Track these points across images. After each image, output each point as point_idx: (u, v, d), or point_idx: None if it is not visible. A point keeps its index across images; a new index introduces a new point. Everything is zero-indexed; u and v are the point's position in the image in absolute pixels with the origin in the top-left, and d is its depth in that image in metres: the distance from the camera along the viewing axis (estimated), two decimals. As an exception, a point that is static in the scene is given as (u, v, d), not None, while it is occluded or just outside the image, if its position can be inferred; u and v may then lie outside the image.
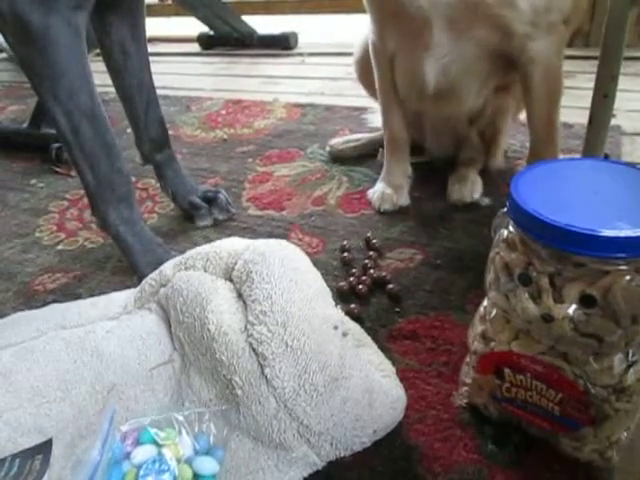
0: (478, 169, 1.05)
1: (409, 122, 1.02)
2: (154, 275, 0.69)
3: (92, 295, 0.85)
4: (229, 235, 0.97)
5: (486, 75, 0.89)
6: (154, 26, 2.06)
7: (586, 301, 0.44)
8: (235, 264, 0.62)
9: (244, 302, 0.58)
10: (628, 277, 0.43)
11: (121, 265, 0.91)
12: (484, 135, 1.07)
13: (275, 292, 0.55)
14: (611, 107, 0.86)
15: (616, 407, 0.49)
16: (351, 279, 0.80)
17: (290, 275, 0.57)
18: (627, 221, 0.43)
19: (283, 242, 0.64)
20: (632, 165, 0.50)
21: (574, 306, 0.45)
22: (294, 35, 2.20)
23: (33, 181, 1.29)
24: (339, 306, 0.73)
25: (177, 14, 2.26)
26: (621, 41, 0.82)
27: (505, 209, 0.50)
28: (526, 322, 0.48)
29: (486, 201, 0.99)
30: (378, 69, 0.97)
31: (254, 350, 0.53)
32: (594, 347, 0.47)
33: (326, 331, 0.54)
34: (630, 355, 0.48)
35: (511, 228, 0.49)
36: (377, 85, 0.98)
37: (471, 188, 0.99)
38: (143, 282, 0.70)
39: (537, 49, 0.81)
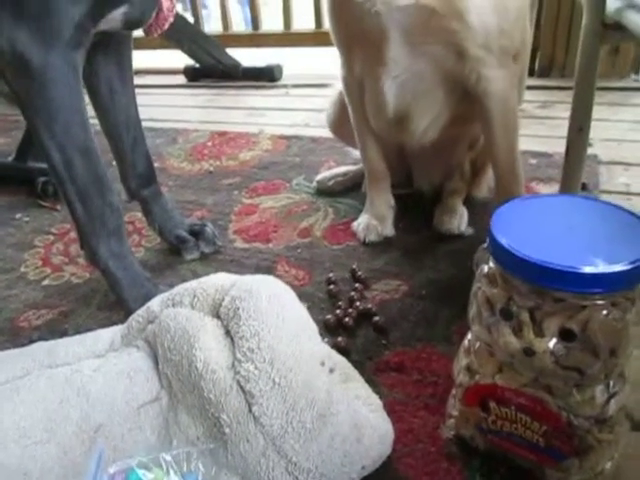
0: (463, 199, 1.07)
1: (391, 154, 1.04)
2: (141, 312, 0.69)
3: (78, 331, 0.84)
4: (216, 268, 0.98)
5: (442, 102, 0.90)
6: (140, 58, 2.09)
7: (566, 335, 0.46)
8: (222, 300, 0.62)
9: (231, 339, 0.59)
10: (605, 311, 0.44)
11: (107, 300, 0.91)
12: (472, 166, 1.10)
13: (262, 329, 0.55)
14: (586, 140, 0.89)
15: (599, 438, 0.50)
16: (337, 312, 0.81)
17: (277, 311, 0.57)
18: (602, 256, 0.44)
19: (269, 278, 0.64)
20: (604, 201, 0.52)
21: (554, 340, 0.46)
22: (279, 67, 2.24)
23: (18, 215, 1.28)
24: (326, 339, 0.74)
25: (163, 47, 2.29)
26: (593, 76, 0.85)
27: (485, 244, 0.52)
28: (509, 355, 0.50)
29: (469, 231, 1.01)
30: (351, 103, 0.99)
31: (242, 388, 0.53)
32: (575, 379, 0.48)
33: (313, 367, 0.54)
34: (611, 386, 0.49)
35: (491, 264, 0.50)
36: (352, 120, 1.00)
37: (459, 220, 1.01)
38: (130, 319, 0.70)
39: (492, 80, 0.83)
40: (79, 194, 0.77)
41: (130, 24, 0.80)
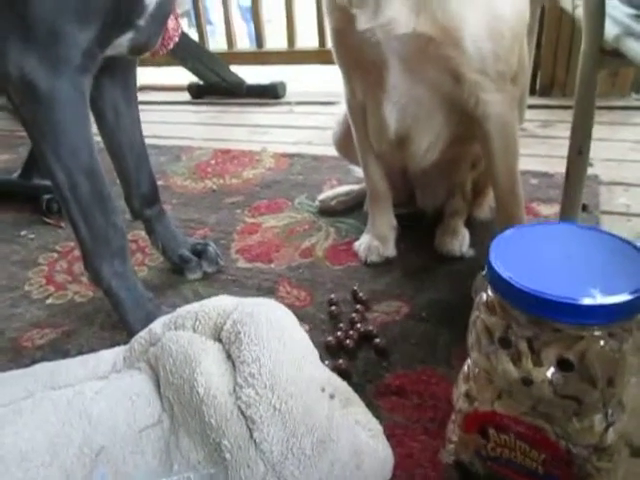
0: (464, 220, 1.08)
1: (393, 174, 1.05)
2: (143, 334, 0.70)
3: (81, 351, 0.85)
4: (218, 288, 0.99)
5: (442, 124, 0.91)
6: (145, 75, 2.11)
7: (563, 364, 0.46)
8: (224, 324, 0.63)
9: (233, 363, 0.59)
10: (602, 342, 0.45)
11: (110, 320, 0.92)
12: (474, 186, 1.10)
13: (263, 354, 0.56)
14: (586, 163, 0.89)
15: (598, 466, 0.50)
16: (338, 334, 0.82)
17: (278, 336, 0.58)
18: (599, 287, 0.45)
19: (271, 301, 0.65)
20: (603, 230, 0.53)
21: (552, 369, 0.46)
22: (282, 85, 2.27)
23: (23, 232, 1.30)
24: (327, 362, 0.74)
25: (167, 64, 2.31)
26: (592, 101, 0.86)
27: (484, 272, 0.52)
28: (507, 384, 0.50)
29: (470, 253, 1.01)
30: (354, 124, 1.00)
31: (243, 413, 0.54)
32: (574, 408, 0.48)
33: (314, 393, 0.55)
34: (609, 415, 0.49)
35: (490, 292, 0.51)
36: (355, 140, 1.02)
37: (461, 241, 1.02)
38: (133, 340, 0.70)
39: (490, 103, 0.83)
40: (83, 215, 0.78)
41: (136, 50, 0.81)
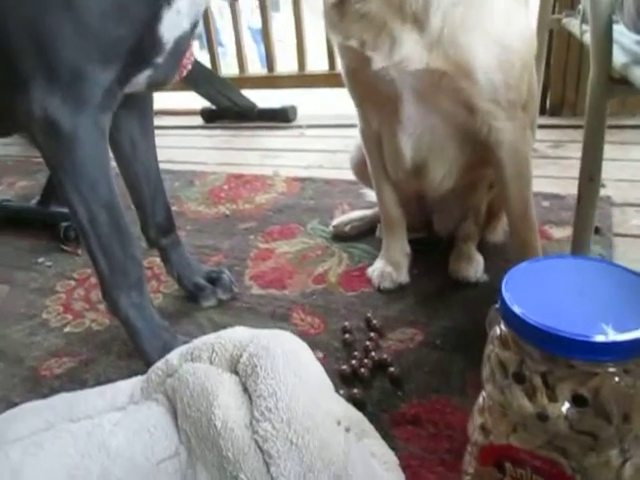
0: (476, 244, 1.08)
1: (408, 200, 1.06)
2: (160, 364, 0.71)
3: (98, 380, 0.87)
4: (232, 316, 1.00)
5: (456, 151, 0.92)
6: (158, 100, 2.15)
7: (578, 400, 0.46)
8: (240, 356, 0.64)
9: (249, 396, 0.60)
10: (617, 378, 0.45)
11: (127, 349, 0.93)
12: (489, 208, 1.11)
13: (280, 388, 0.57)
14: (597, 188, 0.89)
15: (615, 501, 0.50)
16: (353, 362, 0.82)
17: (294, 370, 0.58)
18: (613, 323, 0.45)
19: (286, 334, 0.66)
20: (615, 264, 0.53)
21: (567, 405, 0.47)
22: (293, 108, 2.30)
23: (41, 259, 1.32)
24: (342, 391, 0.75)
25: (180, 89, 2.36)
26: (602, 127, 0.86)
27: (497, 305, 0.53)
28: (522, 418, 0.50)
29: (484, 278, 1.02)
30: (368, 153, 1.02)
31: (260, 447, 0.55)
32: (589, 443, 0.48)
33: (330, 427, 0.55)
34: (626, 450, 0.49)
35: (503, 327, 0.51)
36: (369, 169, 1.03)
37: (475, 267, 1.02)
38: (150, 371, 0.71)
39: (502, 131, 0.85)
40: (102, 247, 0.80)
41: (154, 85, 0.84)
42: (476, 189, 1.06)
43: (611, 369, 0.45)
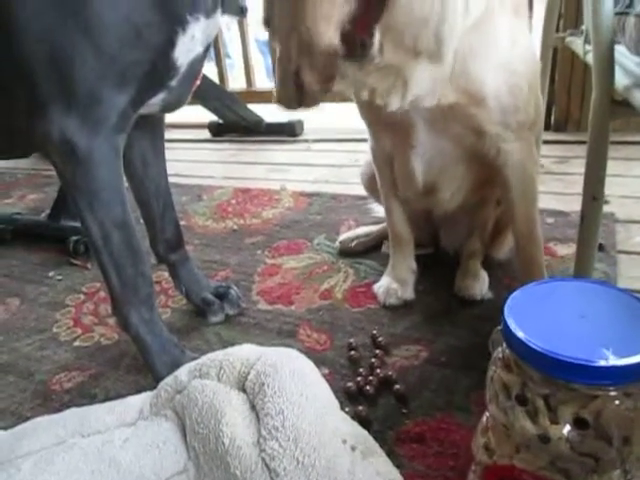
0: (481, 261, 1.10)
1: (417, 217, 1.08)
2: (169, 380, 0.72)
3: (107, 395, 0.88)
4: (239, 332, 1.01)
5: (465, 172, 0.95)
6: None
7: (580, 423, 0.47)
8: (248, 374, 0.65)
9: (257, 414, 0.61)
10: (617, 402, 0.46)
11: (136, 363, 0.95)
12: (495, 226, 1.12)
13: (287, 407, 0.58)
14: (601, 207, 0.90)
15: (617, 522, 0.51)
16: (358, 379, 0.83)
17: (301, 389, 0.60)
18: (613, 347, 0.46)
19: (293, 352, 0.67)
20: (616, 288, 0.54)
21: (568, 427, 0.47)
22: (300, 123, 2.32)
23: (51, 273, 1.34)
24: (347, 409, 0.76)
25: (188, 103, 2.39)
26: (605, 147, 0.87)
27: (500, 327, 0.54)
28: (525, 439, 0.51)
29: (489, 295, 1.02)
30: (378, 170, 1.04)
31: (267, 465, 0.56)
32: (591, 465, 0.49)
33: (335, 446, 0.56)
34: (627, 471, 0.50)
35: (506, 349, 0.52)
36: (379, 186, 1.05)
37: (481, 285, 1.03)
38: (159, 387, 0.73)
39: (510, 152, 0.86)
40: (114, 264, 0.82)
41: (168, 108, 0.86)
42: (484, 206, 1.07)
43: (612, 392, 0.46)
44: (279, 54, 0.74)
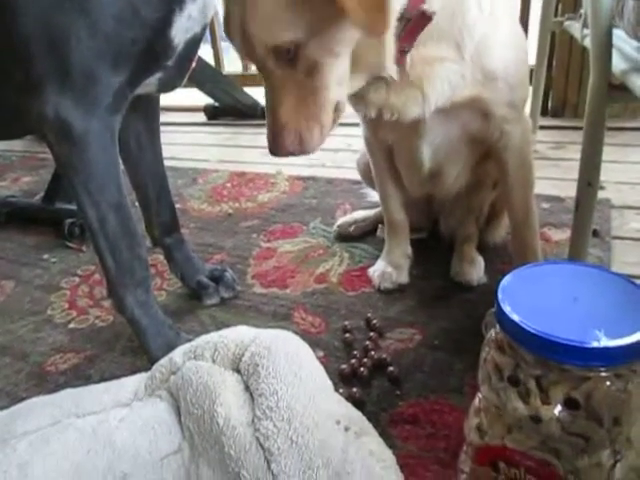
0: (476, 245, 1.10)
1: (413, 203, 1.08)
2: (164, 362, 0.72)
3: (102, 376, 0.88)
4: (235, 314, 1.02)
5: (467, 155, 0.96)
6: (162, 96, 2.17)
7: (571, 403, 0.48)
8: (242, 355, 0.65)
9: (251, 394, 0.61)
10: (608, 383, 0.46)
11: (131, 345, 0.95)
12: (490, 209, 1.13)
13: (281, 388, 0.58)
14: (596, 193, 0.91)
15: (606, 501, 0.51)
16: (353, 361, 0.84)
17: (295, 370, 0.60)
18: (605, 329, 0.46)
19: (287, 334, 0.67)
20: (610, 271, 0.54)
21: (560, 408, 0.48)
22: (296, 106, 2.30)
23: (46, 256, 1.34)
24: (341, 390, 0.76)
25: (184, 85, 2.36)
26: (601, 132, 0.87)
27: (494, 309, 0.54)
28: (517, 420, 0.52)
29: (483, 280, 1.03)
30: (373, 160, 1.04)
31: (261, 445, 0.56)
32: (581, 445, 0.49)
33: (329, 426, 0.57)
34: (617, 452, 0.51)
35: (499, 331, 0.52)
36: (373, 175, 1.05)
37: (478, 270, 1.04)
38: (154, 368, 0.73)
39: (512, 134, 0.88)
40: (110, 247, 0.82)
41: (164, 88, 0.85)
42: (480, 190, 1.08)
43: (603, 374, 0.46)
44: (273, 105, 0.73)
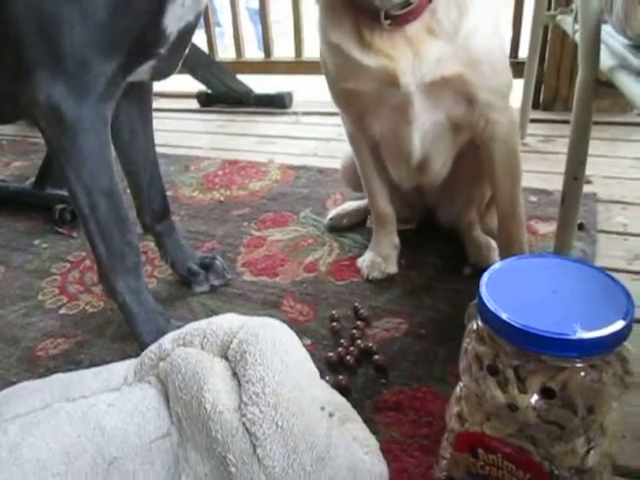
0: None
1: (401, 195, 1.10)
2: (153, 348, 0.73)
3: (93, 362, 0.89)
4: (224, 301, 1.03)
5: (452, 143, 0.98)
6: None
7: (547, 393, 0.49)
8: (230, 343, 0.66)
9: (238, 381, 0.63)
10: (583, 373, 0.48)
11: (121, 331, 0.96)
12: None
13: (267, 374, 0.60)
14: (581, 187, 0.92)
15: (579, 487, 0.53)
16: (339, 349, 0.85)
17: (281, 357, 0.61)
18: (581, 322, 0.48)
19: (275, 322, 0.68)
20: (589, 265, 0.56)
21: (536, 397, 0.50)
22: (289, 95, 2.30)
23: (36, 241, 1.34)
24: (327, 377, 0.78)
25: (177, 72, 2.35)
26: (587, 128, 0.89)
27: (476, 301, 0.56)
28: (495, 408, 0.53)
29: (469, 270, 1.04)
30: (358, 156, 1.04)
31: (247, 430, 0.57)
32: (556, 433, 0.51)
33: (314, 412, 0.58)
34: (590, 439, 0.52)
35: (480, 322, 0.54)
36: (359, 171, 1.06)
37: (495, 254, 1.04)
38: (143, 354, 0.74)
39: (497, 124, 0.90)
40: (101, 233, 0.82)
41: (157, 76, 0.85)
42: (481, 179, 1.08)
43: (578, 364, 0.48)
44: None
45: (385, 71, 0.83)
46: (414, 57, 0.83)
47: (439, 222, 1.17)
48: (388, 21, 0.81)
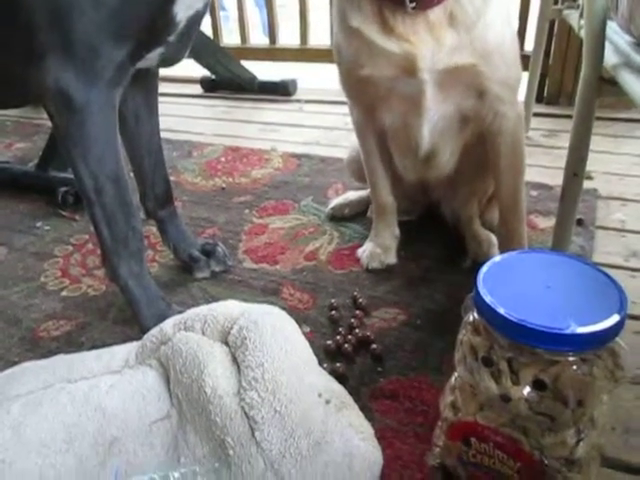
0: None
1: (404, 186, 1.10)
2: (155, 332, 0.75)
3: (94, 344, 0.91)
4: (225, 288, 1.04)
5: (458, 135, 0.98)
6: (159, 67, 2.15)
7: (539, 385, 0.51)
8: (231, 329, 0.68)
9: (238, 366, 0.64)
10: (575, 367, 0.49)
11: (122, 315, 0.97)
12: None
13: (266, 360, 0.61)
14: (581, 183, 0.93)
15: (569, 477, 0.55)
16: (338, 338, 0.86)
17: (280, 344, 0.63)
18: (574, 317, 0.49)
19: (275, 309, 0.70)
20: (583, 261, 0.57)
21: (528, 388, 0.51)
22: (293, 82, 2.30)
23: (39, 224, 1.35)
24: (325, 365, 0.79)
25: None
26: (589, 125, 0.89)
27: (472, 293, 0.57)
28: (488, 398, 0.55)
29: (468, 262, 1.06)
30: (364, 146, 1.05)
31: (246, 414, 0.59)
32: (547, 424, 0.53)
33: (311, 398, 0.60)
34: (580, 431, 0.54)
35: (476, 314, 0.55)
36: (363, 160, 1.06)
37: (494, 249, 1.05)
38: (144, 338, 0.75)
39: (506, 116, 0.90)
40: (106, 218, 0.83)
41: (165, 62, 0.86)
42: (484, 172, 1.09)
43: (571, 358, 0.49)
44: None
45: (405, 56, 0.83)
46: (434, 43, 0.82)
47: (440, 214, 1.18)
48: (413, 4, 0.80)
